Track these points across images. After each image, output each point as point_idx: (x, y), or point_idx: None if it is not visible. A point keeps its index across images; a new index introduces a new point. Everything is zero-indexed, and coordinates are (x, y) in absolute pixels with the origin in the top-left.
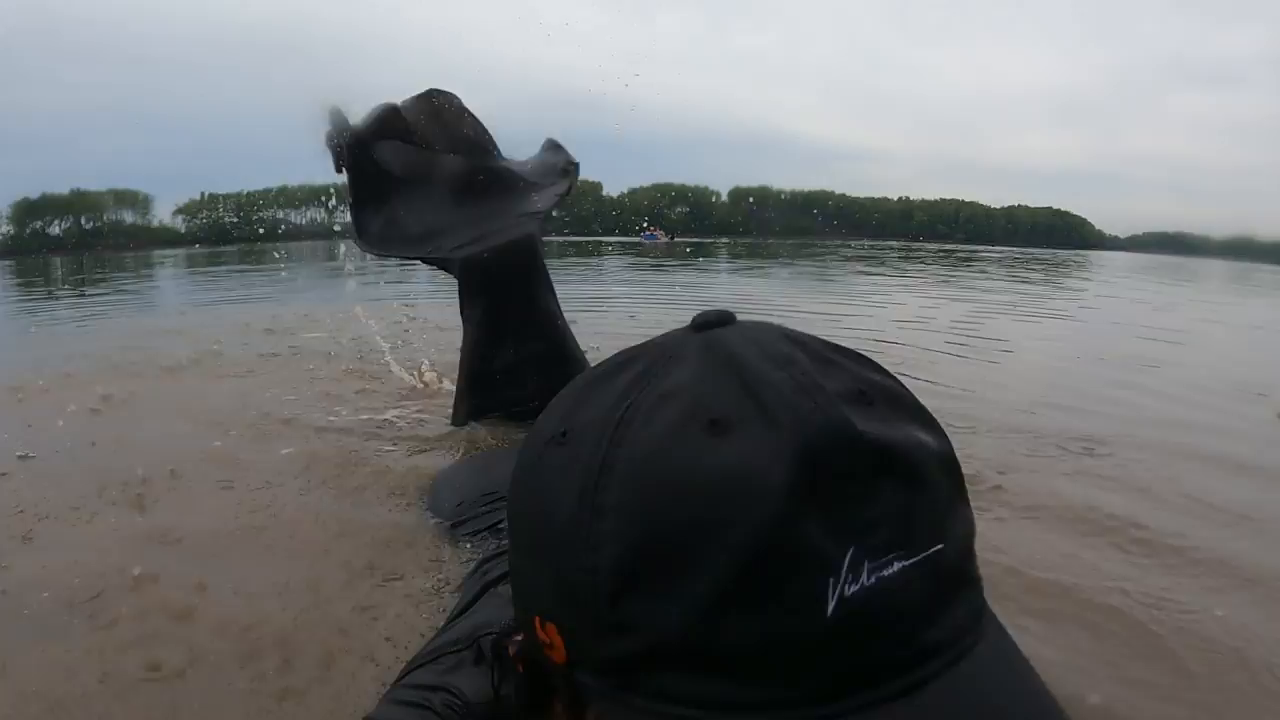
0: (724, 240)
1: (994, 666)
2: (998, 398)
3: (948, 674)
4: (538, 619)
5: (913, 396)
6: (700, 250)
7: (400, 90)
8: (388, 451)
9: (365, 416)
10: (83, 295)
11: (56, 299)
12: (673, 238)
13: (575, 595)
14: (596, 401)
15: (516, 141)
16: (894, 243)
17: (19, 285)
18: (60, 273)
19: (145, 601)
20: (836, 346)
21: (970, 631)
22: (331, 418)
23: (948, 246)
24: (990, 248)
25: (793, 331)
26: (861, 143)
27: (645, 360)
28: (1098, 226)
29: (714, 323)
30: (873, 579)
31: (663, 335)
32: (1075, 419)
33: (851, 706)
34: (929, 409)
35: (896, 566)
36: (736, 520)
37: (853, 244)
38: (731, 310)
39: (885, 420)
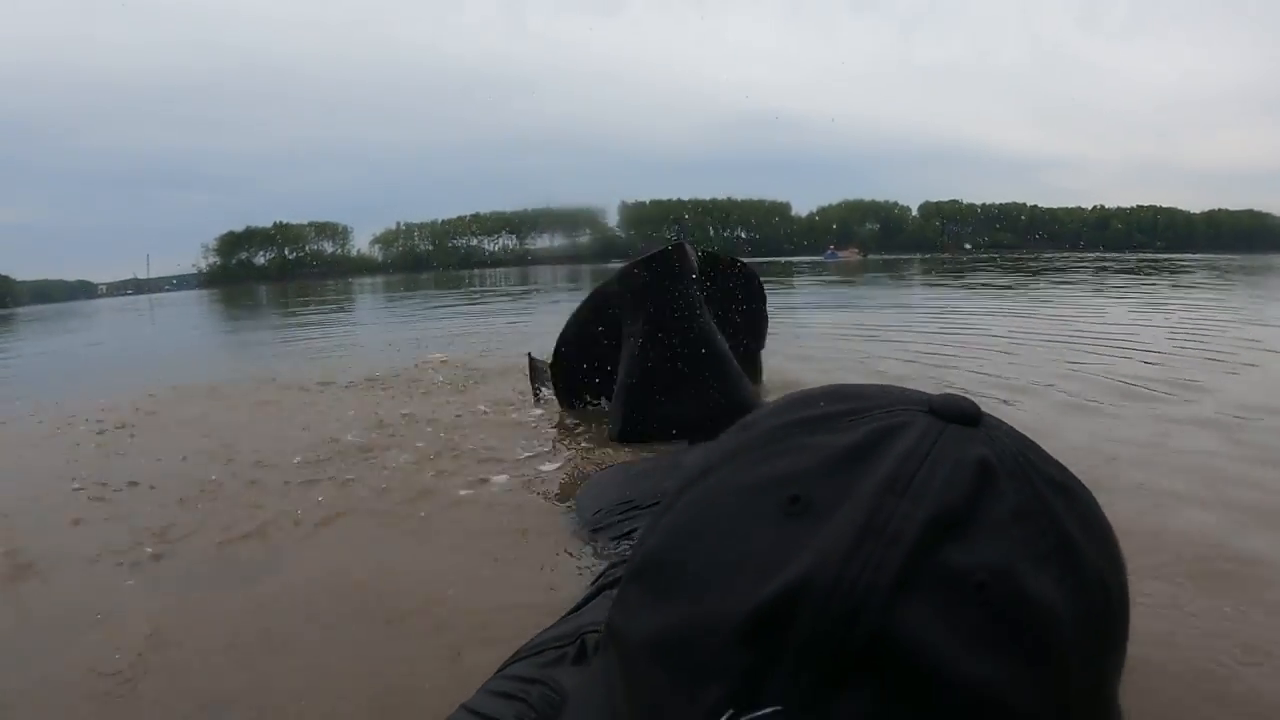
0: (917, 256)
1: None
2: None
3: None
4: None
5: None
6: (889, 266)
7: (580, 118)
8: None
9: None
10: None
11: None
12: (865, 255)
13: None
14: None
15: (704, 162)
16: (1091, 254)
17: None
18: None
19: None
20: (960, 420)
21: None
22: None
23: (1147, 255)
24: (1189, 255)
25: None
26: (1052, 151)
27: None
28: None
29: (954, 416)
30: None
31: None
32: None
33: None
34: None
35: None
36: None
37: (1053, 256)
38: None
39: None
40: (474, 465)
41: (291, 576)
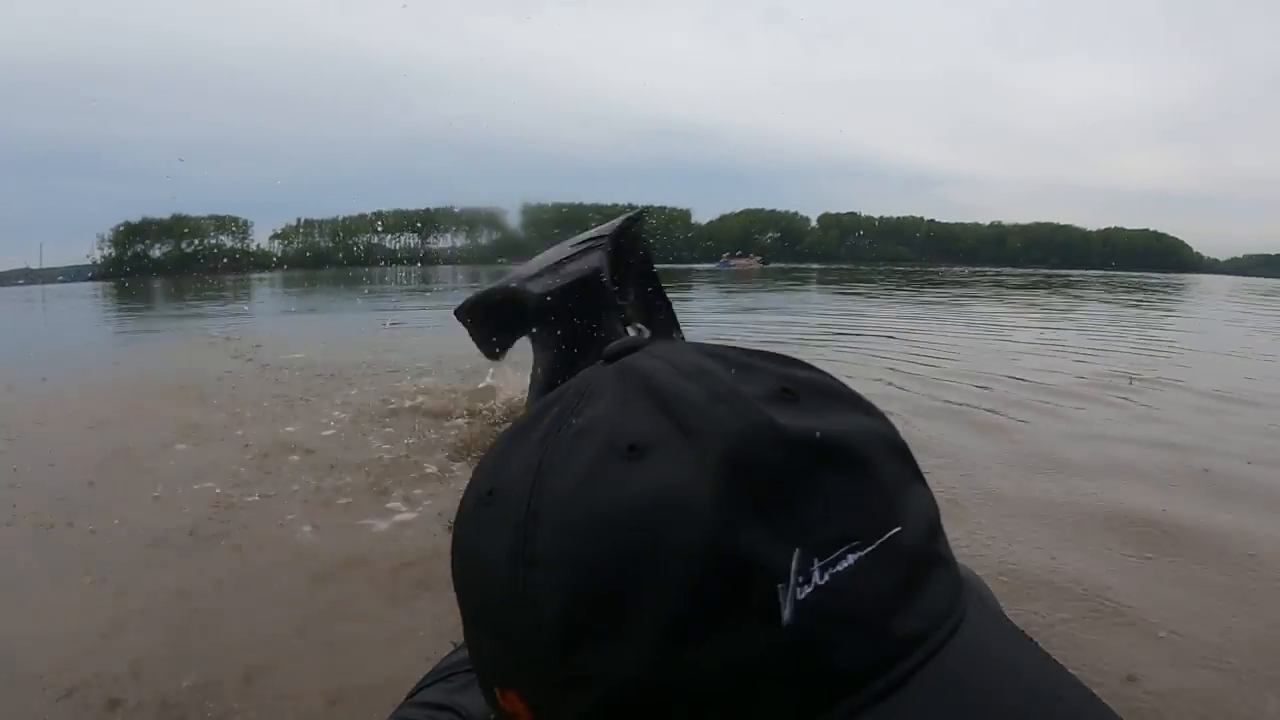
0: (815, 266)
1: (984, 646)
2: None
3: (933, 663)
4: (498, 690)
5: (844, 385)
6: (789, 274)
7: (486, 119)
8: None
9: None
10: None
11: None
12: (764, 263)
13: (526, 656)
14: (517, 454)
15: (608, 167)
16: (988, 269)
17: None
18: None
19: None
20: (756, 351)
21: (950, 614)
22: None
23: (1042, 271)
24: (1084, 272)
25: (708, 345)
26: (953, 167)
27: (561, 402)
28: (1195, 249)
29: (626, 350)
30: (826, 577)
31: (577, 375)
32: None
33: (838, 715)
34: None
35: (851, 559)
36: (669, 546)
37: (943, 270)
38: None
39: (815, 412)
40: None
41: None
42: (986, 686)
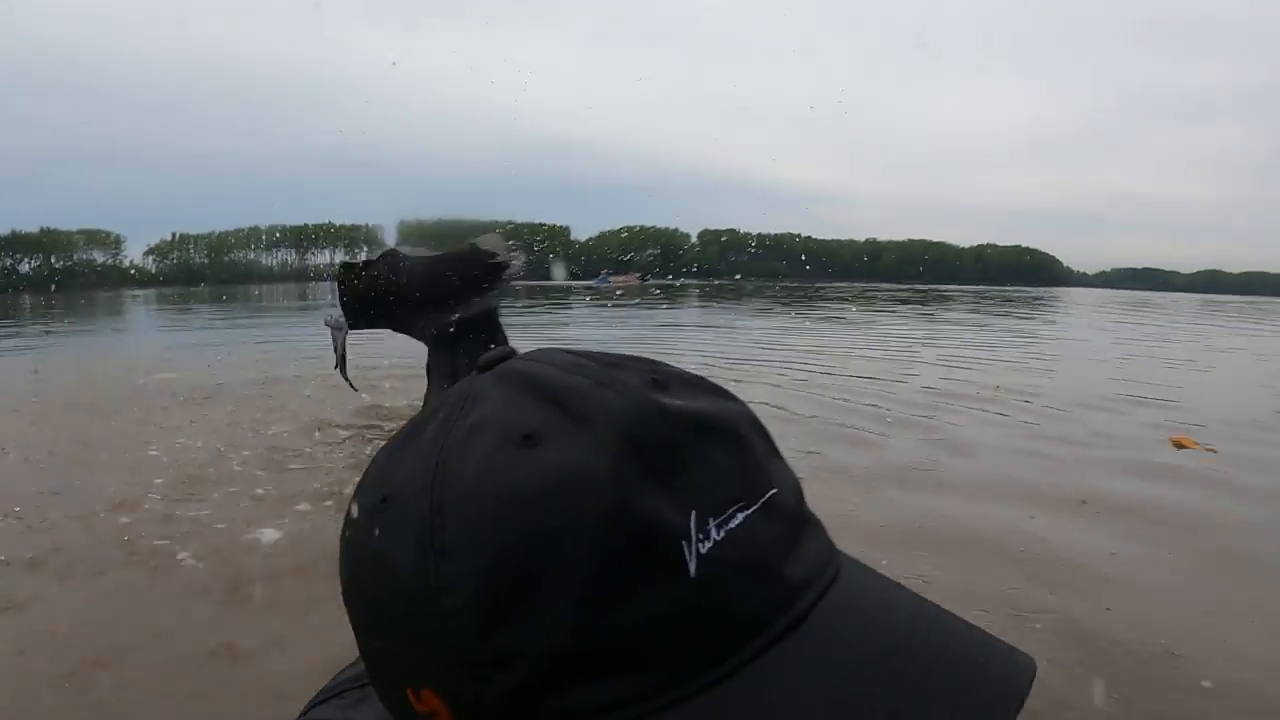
0: (694, 282)
1: (865, 587)
2: None
3: (825, 601)
4: (410, 691)
5: (704, 378)
6: (670, 291)
7: (367, 133)
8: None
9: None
10: None
11: None
12: (644, 279)
13: (442, 646)
14: (407, 460)
15: (488, 184)
16: (861, 284)
17: None
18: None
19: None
20: (617, 355)
21: (830, 562)
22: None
23: (918, 286)
24: (958, 286)
25: (573, 350)
26: (831, 186)
27: (445, 409)
28: (1065, 263)
29: (500, 359)
30: (722, 533)
31: (454, 386)
32: None
33: (749, 654)
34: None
35: (740, 517)
36: (577, 518)
37: (823, 285)
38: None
39: (686, 396)
40: None
41: None
42: (876, 613)
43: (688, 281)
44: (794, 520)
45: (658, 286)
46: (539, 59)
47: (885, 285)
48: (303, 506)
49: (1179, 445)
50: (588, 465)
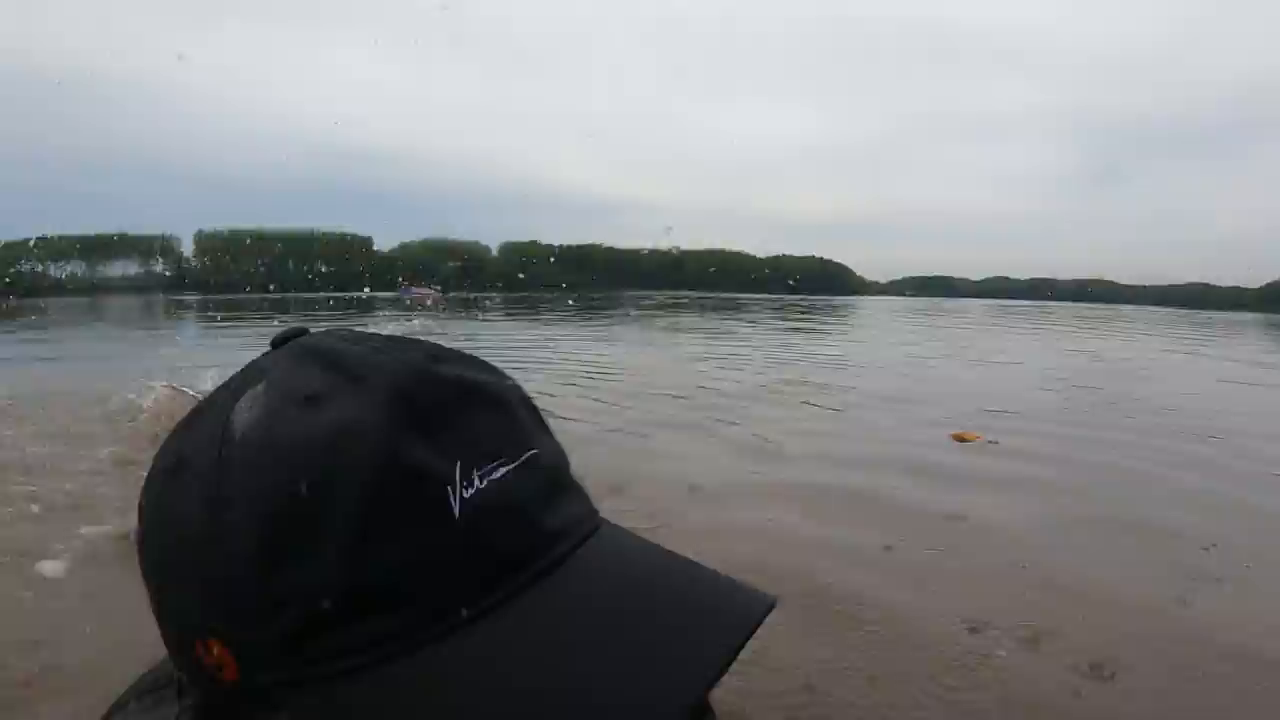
0: (496, 295)
1: (622, 542)
2: None
3: (583, 549)
4: (198, 643)
5: (484, 360)
6: (473, 305)
7: (162, 138)
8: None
9: None
10: None
11: None
12: (443, 294)
13: (225, 592)
14: (199, 427)
15: (288, 193)
16: (670, 292)
17: None
18: None
19: None
20: (404, 337)
21: (589, 519)
22: None
23: (718, 294)
24: (756, 295)
25: (357, 330)
26: (632, 197)
27: (236, 381)
28: (859, 273)
29: (291, 335)
30: (484, 482)
31: (249, 362)
32: None
33: (510, 592)
34: None
35: (502, 471)
36: (348, 464)
37: (626, 294)
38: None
39: (462, 369)
40: None
41: None
42: (632, 558)
43: (486, 295)
44: (553, 480)
45: (460, 300)
46: (340, 65)
47: (689, 293)
48: None
49: (961, 439)
50: (360, 418)
